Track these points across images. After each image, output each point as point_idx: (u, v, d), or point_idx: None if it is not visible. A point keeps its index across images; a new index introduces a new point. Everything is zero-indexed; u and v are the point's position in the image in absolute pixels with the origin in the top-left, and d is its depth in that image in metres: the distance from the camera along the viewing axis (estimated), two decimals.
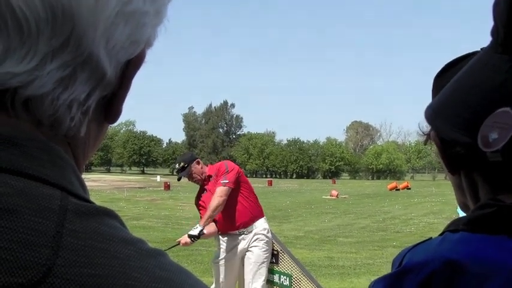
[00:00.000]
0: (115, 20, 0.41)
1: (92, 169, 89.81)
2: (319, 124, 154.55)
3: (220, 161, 5.75)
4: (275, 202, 23.19)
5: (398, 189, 36.72)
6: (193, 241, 4.60)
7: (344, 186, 45.18)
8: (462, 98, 0.64)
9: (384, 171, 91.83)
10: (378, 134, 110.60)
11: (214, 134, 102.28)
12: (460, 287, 0.59)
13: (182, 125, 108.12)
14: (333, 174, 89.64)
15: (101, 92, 0.44)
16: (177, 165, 4.84)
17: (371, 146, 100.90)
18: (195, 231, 4.54)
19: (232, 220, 4.62)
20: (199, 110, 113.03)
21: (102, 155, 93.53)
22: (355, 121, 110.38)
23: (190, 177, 4.77)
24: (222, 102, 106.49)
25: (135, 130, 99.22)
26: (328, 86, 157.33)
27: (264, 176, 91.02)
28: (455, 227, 0.64)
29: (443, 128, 0.66)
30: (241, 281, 4.79)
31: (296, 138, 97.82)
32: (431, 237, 0.68)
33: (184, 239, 4.63)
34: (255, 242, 4.63)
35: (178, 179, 4.99)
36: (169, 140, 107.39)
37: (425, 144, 0.82)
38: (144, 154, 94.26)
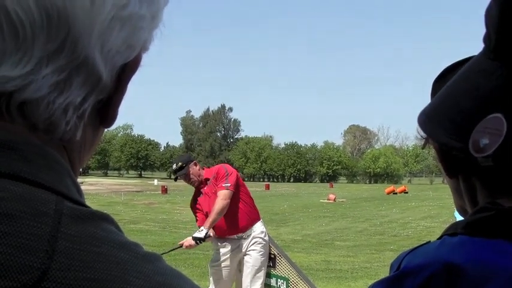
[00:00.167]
0: (111, 24, 0.41)
1: (89, 173, 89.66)
2: (317, 128, 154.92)
3: (217, 164, 5.73)
4: (272, 206, 23.16)
5: (396, 193, 36.83)
6: (198, 244, 4.58)
7: (341, 190, 45.15)
8: (455, 104, 0.65)
9: (382, 175, 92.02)
10: (376, 137, 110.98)
11: (211, 138, 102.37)
12: None
13: (180, 128, 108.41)
14: (330, 178, 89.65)
15: (97, 96, 0.44)
16: (174, 166, 4.79)
17: (368, 150, 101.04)
18: (201, 234, 4.49)
19: (230, 225, 4.61)
20: (197, 113, 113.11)
21: (99, 159, 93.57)
22: (353, 125, 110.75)
23: (187, 178, 4.72)
24: (220, 106, 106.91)
25: (132, 134, 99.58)
26: (328, 88, 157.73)
27: (262, 179, 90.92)
28: (453, 230, 0.64)
29: (436, 132, 0.66)
30: (238, 284, 4.77)
31: (294, 142, 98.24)
32: (429, 241, 0.68)
33: (188, 241, 4.60)
34: (252, 246, 4.62)
35: (175, 179, 4.93)
36: (167, 143, 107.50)
37: (423, 148, 0.82)
38: (142, 158, 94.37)
